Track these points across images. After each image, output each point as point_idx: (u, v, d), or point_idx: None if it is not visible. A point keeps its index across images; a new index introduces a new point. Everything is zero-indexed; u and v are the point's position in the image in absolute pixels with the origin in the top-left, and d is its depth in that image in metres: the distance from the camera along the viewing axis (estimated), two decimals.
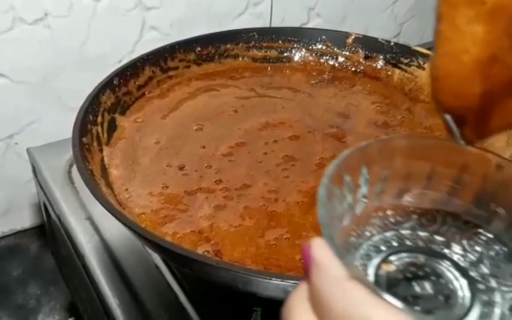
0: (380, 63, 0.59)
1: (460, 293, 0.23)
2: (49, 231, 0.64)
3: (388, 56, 0.59)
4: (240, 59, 0.61)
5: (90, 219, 0.52)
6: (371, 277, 0.24)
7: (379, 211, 0.26)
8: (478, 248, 0.25)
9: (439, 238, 0.26)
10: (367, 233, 0.26)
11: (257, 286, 0.34)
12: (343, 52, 0.61)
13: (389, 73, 0.59)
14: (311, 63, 0.61)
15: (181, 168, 0.46)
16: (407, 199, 0.26)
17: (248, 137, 0.50)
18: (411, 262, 0.25)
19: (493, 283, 0.24)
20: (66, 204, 0.54)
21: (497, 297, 0.23)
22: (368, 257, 0.25)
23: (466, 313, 0.23)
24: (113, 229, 0.50)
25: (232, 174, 0.45)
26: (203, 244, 0.39)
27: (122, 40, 0.66)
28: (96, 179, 0.42)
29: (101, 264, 0.48)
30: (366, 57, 0.60)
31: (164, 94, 0.55)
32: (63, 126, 0.56)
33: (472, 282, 0.24)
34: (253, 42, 0.61)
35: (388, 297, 0.19)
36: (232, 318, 0.43)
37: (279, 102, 0.56)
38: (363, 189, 0.25)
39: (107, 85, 0.50)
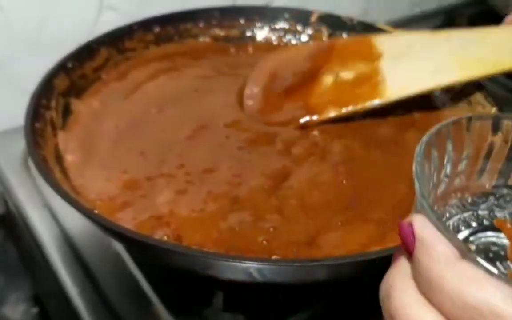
0: None
1: None
2: (8, 222, 0.62)
3: (352, 34, 0.58)
4: (201, 39, 0.59)
5: (48, 207, 0.50)
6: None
7: (457, 192, 0.26)
8: None
9: None
10: (447, 214, 0.25)
11: (216, 268, 0.33)
12: (307, 31, 0.60)
13: None
14: (274, 42, 0.60)
15: (141, 153, 0.45)
16: (485, 179, 0.26)
17: (208, 119, 0.49)
18: (492, 242, 0.24)
19: None
20: (24, 193, 0.52)
21: None
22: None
23: None
24: (73, 218, 0.48)
25: (194, 158, 0.44)
26: (163, 228, 0.38)
27: (79, 22, 0.64)
28: (50, 165, 0.41)
29: (61, 253, 0.47)
30: (330, 36, 0.59)
31: (122, 77, 0.53)
32: (19, 113, 0.54)
33: None
34: (214, 21, 0.59)
35: (505, 277, 0.18)
36: (194, 302, 0.42)
37: (242, 80, 0.54)
38: (447, 168, 0.25)
39: (61, 68, 0.48)
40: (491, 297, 0.18)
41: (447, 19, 0.82)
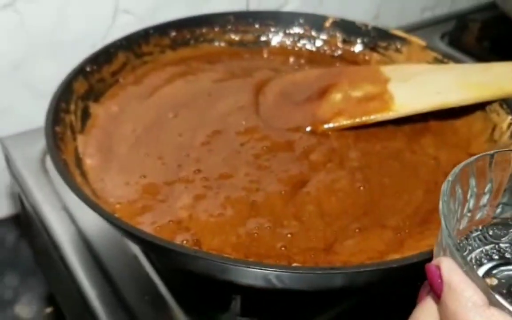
0: (358, 47, 0.59)
1: None
2: (24, 222, 0.63)
3: (365, 40, 0.59)
4: (216, 43, 0.60)
5: (66, 209, 0.51)
6: None
7: (479, 225, 0.26)
8: None
9: None
10: (469, 247, 0.26)
11: (235, 274, 0.34)
12: (321, 36, 0.60)
13: (367, 57, 0.59)
14: (289, 47, 0.61)
15: (159, 157, 0.45)
16: (506, 211, 0.27)
17: (224, 124, 0.49)
18: None
19: None
20: (41, 195, 0.53)
21: None
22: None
23: None
24: (90, 220, 0.49)
25: (210, 163, 0.45)
26: (182, 233, 0.39)
27: (94, 25, 0.64)
28: (70, 169, 0.41)
29: (79, 255, 0.47)
30: (344, 41, 0.60)
31: (139, 81, 0.54)
32: (36, 114, 0.54)
33: None
34: (229, 26, 0.60)
35: None
36: (212, 306, 0.43)
37: (255, 82, 0.55)
38: (470, 202, 0.26)
39: (80, 72, 0.49)
40: None
41: (459, 24, 0.81)
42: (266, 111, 0.51)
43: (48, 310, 0.68)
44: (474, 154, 0.45)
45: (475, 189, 0.26)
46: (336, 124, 0.48)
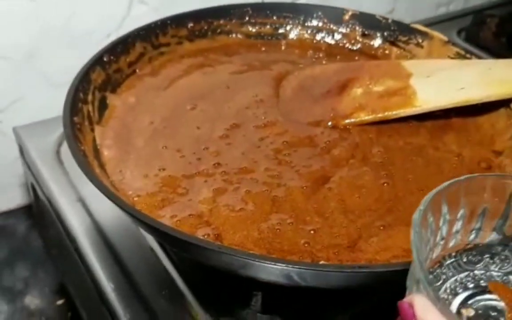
0: (377, 41, 0.58)
1: None
2: (37, 212, 0.63)
3: (385, 33, 0.58)
4: (234, 35, 0.59)
5: (81, 201, 0.50)
6: None
7: (453, 252, 0.26)
8: None
9: None
10: (443, 276, 0.25)
11: (259, 270, 0.33)
12: (340, 29, 0.59)
13: (387, 51, 0.58)
14: (307, 40, 0.60)
15: (178, 150, 0.45)
16: (479, 238, 0.26)
17: (242, 117, 0.48)
18: (491, 306, 0.24)
19: None
20: (56, 186, 0.52)
21: None
22: (447, 301, 0.24)
23: None
24: (106, 211, 0.48)
25: (230, 157, 0.44)
26: (203, 227, 0.38)
27: (109, 15, 0.64)
28: (89, 160, 0.41)
29: (94, 247, 0.47)
30: (363, 35, 0.59)
31: (156, 72, 0.53)
32: (50, 104, 0.54)
33: None
34: (247, 18, 0.59)
35: None
36: (231, 302, 0.42)
37: (273, 75, 0.54)
38: (443, 229, 0.25)
39: (97, 62, 0.48)
40: None
41: (476, 20, 0.80)
42: (285, 105, 0.50)
43: (60, 302, 0.67)
44: (498, 152, 0.46)
45: (447, 216, 0.25)
46: (358, 119, 0.48)
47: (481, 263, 0.26)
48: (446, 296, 0.24)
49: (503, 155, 0.45)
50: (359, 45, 0.59)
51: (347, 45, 0.59)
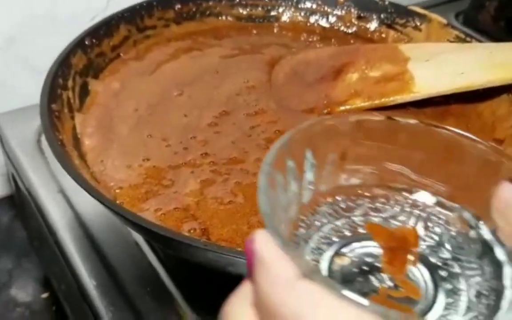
0: (373, 24, 0.56)
1: (422, 284, 0.21)
2: (18, 203, 0.60)
3: (382, 16, 0.55)
4: (223, 17, 0.56)
5: (62, 192, 0.48)
6: (324, 272, 0.21)
7: (328, 197, 0.23)
8: (438, 229, 0.23)
9: (394, 222, 0.23)
10: (317, 223, 0.23)
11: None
12: (334, 12, 0.57)
13: (383, 35, 0.56)
14: (300, 23, 0.57)
15: (163, 139, 0.42)
16: (356, 181, 0.24)
17: (232, 104, 0.46)
18: (367, 252, 0.22)
19: (456, 268, 0.21)
20: (36, 176, 0.49)
21: (462, 284, 0.21)
22: (320, 251, 0.22)
23: (431, 306, 0.20)
24: (88, 204, 0.46)
25: (218, 146, 0.42)
26: (189, 221, 0.36)
27: None
28: (67, 150, 0.38)
29: (76, 241, 0.44)
30: (359, 17, 0.56)
31: (141, 56, 0.51)
32: (32, 91, 0.51)
33: (434, 270, 0.21)
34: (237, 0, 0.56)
35: (351, 295, 0.16)
36: (218, 299, 0.40)
37: (266, 59, 0.52)
38: (309, 175, 0.23)
39: (78, 45, 0.46)
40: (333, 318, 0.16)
41: (475, 3, 0.78)
42: (277, 91, 0.48)
43: (44, 295, 0.65)
44: (500, 140, 0.44)
45: (312, 160, 0.23)
46: (353, 106, 0.45)
47: (360, 209, 0.23)
48: (319, 245, 0.22)
49: (504, 143, 0.43)
50: (354, 28, 0.57)
51: (342, 28, 0.57)
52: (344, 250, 0.22)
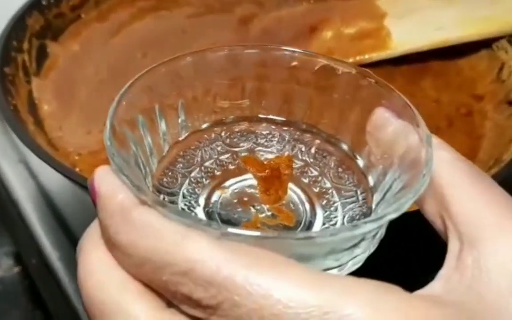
0: None
1: (301, 210, 0.22)
2: None
3: None
4: None
5: (24, 162, 0.46)
6: (201, 212, 0.21)
7: (206, 135, 0.24)
8: (318, 159, 0.24)
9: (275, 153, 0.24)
10: (197, 159, 0.23)
11: None
12: None
13: None
14: None
15: None
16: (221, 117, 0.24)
17: None
18: (249, 184, 0.22)
19: (335, 196, 0.22)
20: None
21: (339, 211, 0.22)
22: (194, 194, 0.22)
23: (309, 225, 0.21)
24: (50, 173, 0.44)
25: None
26: None
27: None
28: (21, 116, 0.36)
29: (38, 212, 0.43)
30: None
31: (103, 17, 0.48)
32: None
33: (315, 198, 0.22)
34: None
35: (193, 215, 0.17)
36: None
37: (236, 18, 0.49)
38: (162, 126, 0.23)
39: (34, 5, 0.43)
40: (163, 245, 0.16)
41: None
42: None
43: (16, 269, 0.63)
44: (479, 96, 0.42)
45: (161, 112, 0.22)
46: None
47: (245, 143, 0.24)
48: (195, 184, 0.22)
49: (484, 100, 0.42)
50: None
51: None
52: (227, 183, 0.22)
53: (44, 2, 0.44)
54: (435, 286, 0.17)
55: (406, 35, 0.44)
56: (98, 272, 0.17)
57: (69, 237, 0.41)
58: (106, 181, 0.18)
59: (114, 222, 0.17)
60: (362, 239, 0.19)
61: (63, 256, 0.40)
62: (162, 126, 0.23)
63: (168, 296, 0.16)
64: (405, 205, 0.18)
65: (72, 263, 0.39)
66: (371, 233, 0.19)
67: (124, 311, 0.16)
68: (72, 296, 0.38)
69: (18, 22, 0.41)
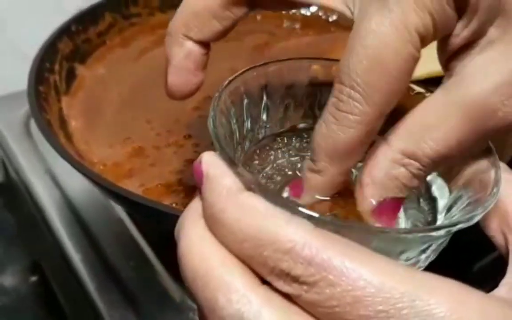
0: None
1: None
2: (8, 189, 0.62)
3: None
4: None
5: (50, 173, 0.50)
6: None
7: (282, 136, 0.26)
8: None
9: None
10: (271, 157, 0.25)
11: None
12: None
13: None
14: (283, 11, 0.59)
15: (147, 121, 0.44)
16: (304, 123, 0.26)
17: (215, 89, 0.48)
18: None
19: None
20: (25, 159, 0.51)
21: (401, 214, 0.22)
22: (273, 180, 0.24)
23: None
24: (74, 183, 0.48)
25: (202, 129, 0.43)
26: (170, 197, 0.38)
27: None
28: (54, 129, 0.40)
29: (62, 218, 0.46)
30: None
31: (126, 43, 0.52)
32: (19, 76, 0.52)
33: None
34: None
35: (293, 204, 0.18)
36: None
37: (250, 46, 0.53)
38: (264, 115, 0.25)
39: (64, 31, 0.47)
40: (268, 225, 0.17)
41: None
42: None
43: (33, 278, 0.66)
44: None
45: (268, 102, 0.25)
46: None
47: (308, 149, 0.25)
48: (273, 176, 0.24)
49: None
50: (335, 17, 0.58)
51: (323, 16, 0.58)
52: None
53: (73, 28, 0.48)
54: (501, 292, 0.19)
55: None
56: (201, 246, 0.19)
57: (91, 241, 0.44)
58: (215, 165, 0.19)
59: (221, 201, 0.18)
60: (431, 245, 0.20)
61: (85, 258, 0.43)
62: (264, 116, 0.25)
63: (264, 272, 0.18)
64: (475, 218, 0.19)
65: (91, 263, 0.42)
66: (440, 240, 0.20)
67: (226, 283, 0.18)
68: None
69: (50, 46, 0.45)
